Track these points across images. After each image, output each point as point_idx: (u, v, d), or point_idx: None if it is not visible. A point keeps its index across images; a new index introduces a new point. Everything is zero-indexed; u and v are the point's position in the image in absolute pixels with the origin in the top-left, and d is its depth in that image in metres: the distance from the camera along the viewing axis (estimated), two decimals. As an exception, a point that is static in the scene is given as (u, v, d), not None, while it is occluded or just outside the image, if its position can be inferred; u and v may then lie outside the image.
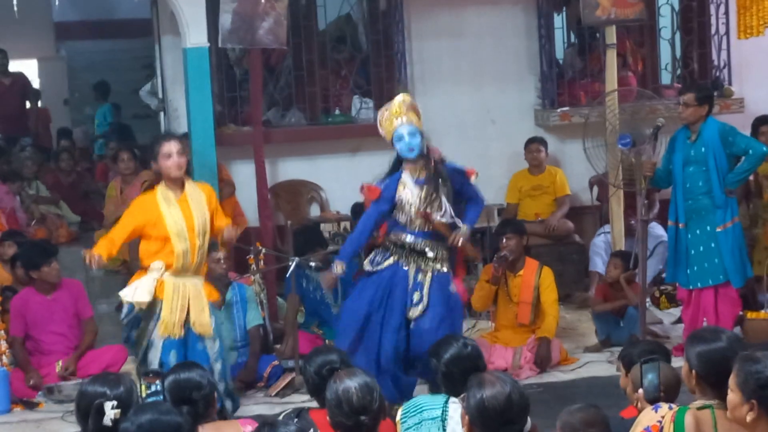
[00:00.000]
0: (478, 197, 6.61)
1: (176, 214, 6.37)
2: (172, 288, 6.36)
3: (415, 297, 6.37)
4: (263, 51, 8.70)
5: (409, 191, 6.36)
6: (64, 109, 14.69)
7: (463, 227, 6.47)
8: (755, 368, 3.22)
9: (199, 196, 6.50)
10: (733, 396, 3.28)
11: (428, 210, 6.31)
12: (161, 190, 6.45)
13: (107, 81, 13.81)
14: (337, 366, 4.42)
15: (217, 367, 6.45)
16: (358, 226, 6.58)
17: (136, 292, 6.34)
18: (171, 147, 6.40)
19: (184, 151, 6.48)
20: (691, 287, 7.55)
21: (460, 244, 6.47)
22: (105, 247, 6.34)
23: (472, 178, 6.51)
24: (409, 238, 6.41)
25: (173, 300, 6.35)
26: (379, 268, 6.47)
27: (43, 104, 13.91)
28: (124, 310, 6.50)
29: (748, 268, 7.57)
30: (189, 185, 6.50)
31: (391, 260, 6.43)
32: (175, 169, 6.40)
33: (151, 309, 6.36)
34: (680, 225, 7.53)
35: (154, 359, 6.33)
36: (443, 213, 6.37)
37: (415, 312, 6.36)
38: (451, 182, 6.40)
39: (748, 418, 3.24)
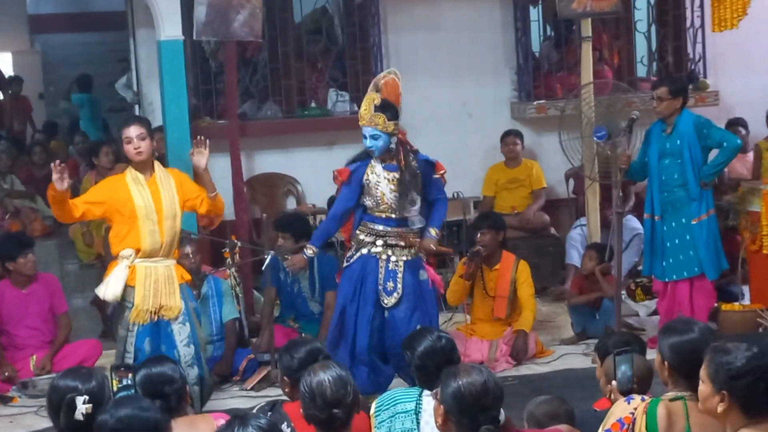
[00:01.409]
0: (443, 195, 6.62)
1: (145, 195, 6.35)
2: (143, 274, 6.34)
3: (389, 285, 6.39)
4: (238, 44, 8.67)
5: (377, 175, 6.39)
6: (39, 103, 14.61)
7: (432, 231, 6.49)
8: (726, 359, 3.22)
9: (168, 179, 6.48)
10: (704, 387, 3.28)
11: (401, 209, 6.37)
12: (130, 172, 6.42)
13: (89, 74, 13.73)
14: (325, 355, 4.45)
15: (189, 351, 6.41)
16: (330, 212, 6.62)
17: (107, 288, 6.34)
18: (130, 132, 6.34)
19: (148, 135, 6.38)
20: (666, 279, 7.58)
21: (430, 250, 6.53)
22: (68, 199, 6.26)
23: (441, 173, 6.53)
24: (379, 227, 6.43)
25: (145, 286, 6.33)
26: (351, 261, 6.49)
27: (22, 93, 13.84)
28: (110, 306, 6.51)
29: (722, 261, 7.60)
30: (159, 169, 6.48)
31: (361, 252, 6.45)
32: (134, 154, 6.35)
33: (126, 298, 6.35)
34: (656, 217, 7.55)
35: (131, 347, 6.33)
36: (414, 206, 6.40)
37: (390, 301, 6.38)
38: (422, 175, 6.45)
39: (719, 409, 3.24)
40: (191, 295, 6.69)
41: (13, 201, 10.22)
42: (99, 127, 13.58)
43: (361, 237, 6.47)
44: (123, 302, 6.37)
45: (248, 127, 9.32)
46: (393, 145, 6.36)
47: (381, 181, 6.39)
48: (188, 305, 6.53)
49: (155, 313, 6.34)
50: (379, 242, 6.43)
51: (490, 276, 7.80)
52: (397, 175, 6.36)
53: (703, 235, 7.44)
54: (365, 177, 6.43)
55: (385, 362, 6.53)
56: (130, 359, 6.25)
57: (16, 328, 7.61)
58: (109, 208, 6.36)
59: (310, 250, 6.56)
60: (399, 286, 6.39)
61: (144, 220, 6.33)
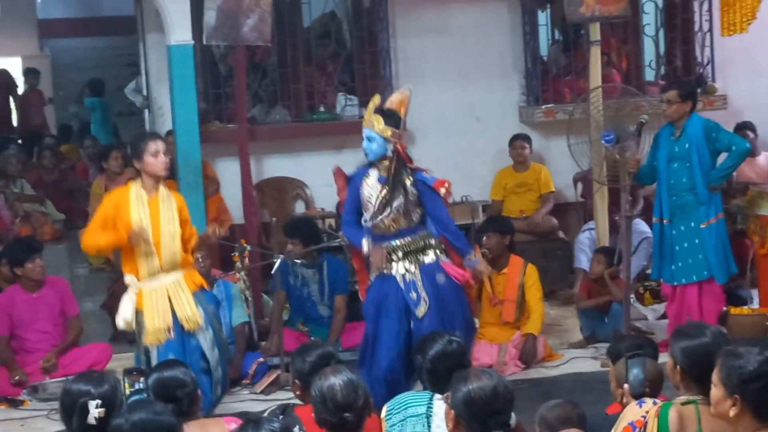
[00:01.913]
0: (451, 225, 6.43)
1: (144, 215, 6.36)
2: (150, 296, 6.37)
3: (412, 296, 6.27)
4: (248, 48, 8.69)
5: (370, 187, 6.31)
6: (48, 106, 14.64)
7: (471, 257, 6.39)
8: (738, 363, 3.23)
9: (170, 200, 6.48)
10: (716, 391, 3.29)
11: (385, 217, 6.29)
12: (135, 188, 6.43)
13: (101, 78, 13.73)
14: (337, 359, 4.46)
15: (214, 355, 6.47)
16: (344, 219, 6.50)
17: (119, 318, 6.43)
18: (158, 145, 6.39)
19: (167, 150, 6.48)
20: (675, 283, 7.58)
21: (482, 273, 6.47)
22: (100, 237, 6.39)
23: (441, 191, 6.29)
24: (392, 243, 6.30)
25: (153, 308, 6.35)
26: (370, 284, 6.40)
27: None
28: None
29: (731, 264, 7.60)
30: (163, 188, 6.48)
31: (377, 272, 6.35)
32: (162, 168, 6.38)
33: (140, 322, 6.38)
34: (665, 221, 7.56)
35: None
36: (388, 213, 6.26)
37: (421, 310, 6.25)
38: (418, 194, 6.28)
39: (731, 413, 3.25)
40: (210, 296, 6.70)
41: (23, 205, 10.25)
42: (110, 131, 13.61)
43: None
44: (138, 326, 6.40)
45: (257, 131, 9.34)
46: (390, 154, 6.26)
47: (373, 193, 6.28)
48: (207, 309, 6.56)
49: (170, 330, 6.36)
50: (393, 259, 6.32)
51: (498, 280, 7.80)
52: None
53: (712, 239, 7.44)
54: (361, 187, 6.33)
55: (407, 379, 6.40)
56: None
57: (26, 332, 7.63)
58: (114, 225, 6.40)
59: (366, 244, 6.29)
60: (423, 293, 6.27)
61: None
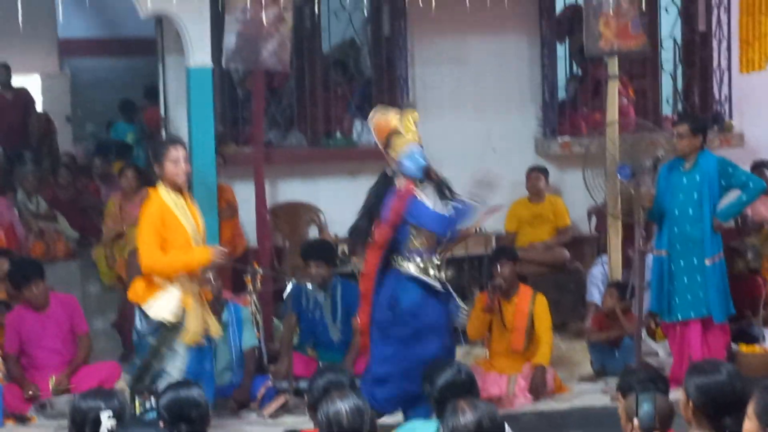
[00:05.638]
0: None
1: (189, 218, 6.41)
2: (191, 297, 6.37)
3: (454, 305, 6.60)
4: (266, 72, 8.72)
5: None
6: (66, 125, 14.68)
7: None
8: (776, 398, 3.22)
9: (194, 202, 6.64)
10: (750, 425, 3.28)
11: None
12: (167, 195, 6.38)
13: (132, 100, 13.65)
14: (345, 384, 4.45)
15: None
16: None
17: (164, 310, 6.32)
18: (179, 152, 6.39)
19: (187, 159, 6.49)
20: (679, 318, 7.52)
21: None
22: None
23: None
24: (432, 258, 6.49)
25: (195, 309, 6.37)
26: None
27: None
28: (143, 323, 6.43)
29: (730, 304, 7.54)
30: (185, 193, 6.55)
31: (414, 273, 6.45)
32: (182, 175, 6.38)
33: (179, 321, 6.38)
34: (663, 252, 7.51)
35: (174, 369, 6.30)
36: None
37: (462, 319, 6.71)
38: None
39: (765, 447, 3.24)
40: None
41: (38, 222, 10.27)
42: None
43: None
44: (175, 323, 6.35)
45: (273, 154, 9.36)
46: None
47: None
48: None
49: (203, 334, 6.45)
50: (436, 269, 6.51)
51: (508, 309, 7.79)
52: None
53: (716, 277, 7.41)
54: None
55: None
56: (169, 380, 6.19)
57: (35, 349, 7.62)
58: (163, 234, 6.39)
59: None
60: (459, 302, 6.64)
61: (194, 243, 6.42)
